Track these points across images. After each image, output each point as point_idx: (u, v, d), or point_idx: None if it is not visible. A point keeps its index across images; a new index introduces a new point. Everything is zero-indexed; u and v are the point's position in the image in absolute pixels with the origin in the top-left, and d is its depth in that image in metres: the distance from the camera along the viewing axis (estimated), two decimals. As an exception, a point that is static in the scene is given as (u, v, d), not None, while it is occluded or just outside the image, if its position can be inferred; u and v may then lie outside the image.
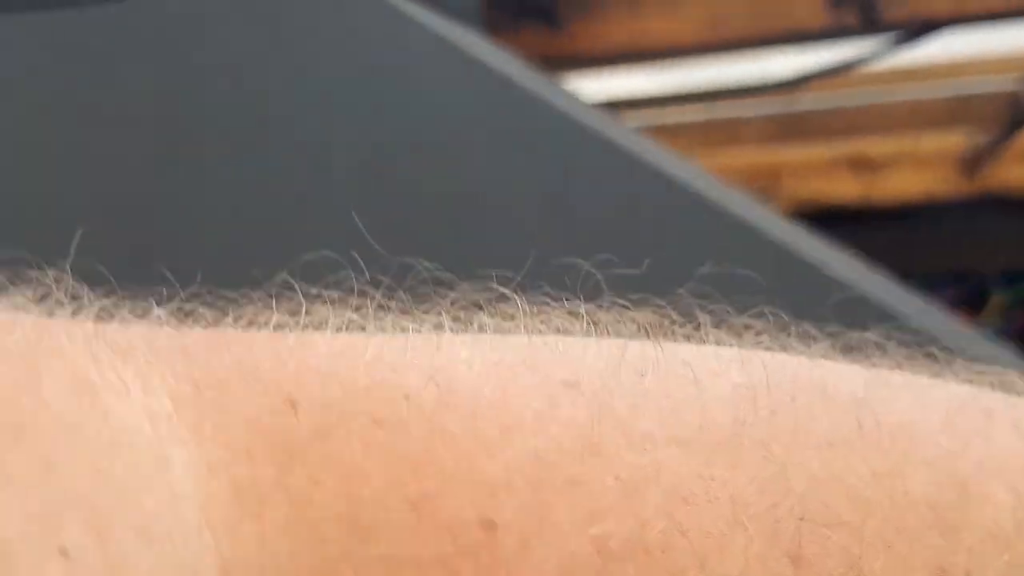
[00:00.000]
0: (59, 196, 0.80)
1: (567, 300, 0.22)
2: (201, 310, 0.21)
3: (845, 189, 2.64)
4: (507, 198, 0.74)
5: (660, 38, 1.13)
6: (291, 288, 0.21)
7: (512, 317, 0.21)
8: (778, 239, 0.71)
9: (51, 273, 0.20)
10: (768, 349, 0.22)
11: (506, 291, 0.21)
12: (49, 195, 0.80)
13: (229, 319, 0.21)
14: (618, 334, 0.21)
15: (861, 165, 2.22)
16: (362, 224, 0.79)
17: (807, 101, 1.99)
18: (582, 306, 0.22)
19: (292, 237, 0.75)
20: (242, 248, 0.72)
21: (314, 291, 0.21)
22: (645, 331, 0.21)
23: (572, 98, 0.84)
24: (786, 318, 0.22)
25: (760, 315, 0.23)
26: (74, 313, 0.20)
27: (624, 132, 0.83)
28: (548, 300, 0.22)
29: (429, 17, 0.85)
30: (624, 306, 0.22)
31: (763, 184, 2.88)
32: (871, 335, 0.23)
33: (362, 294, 0.21)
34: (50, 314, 0.19)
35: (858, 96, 1.99)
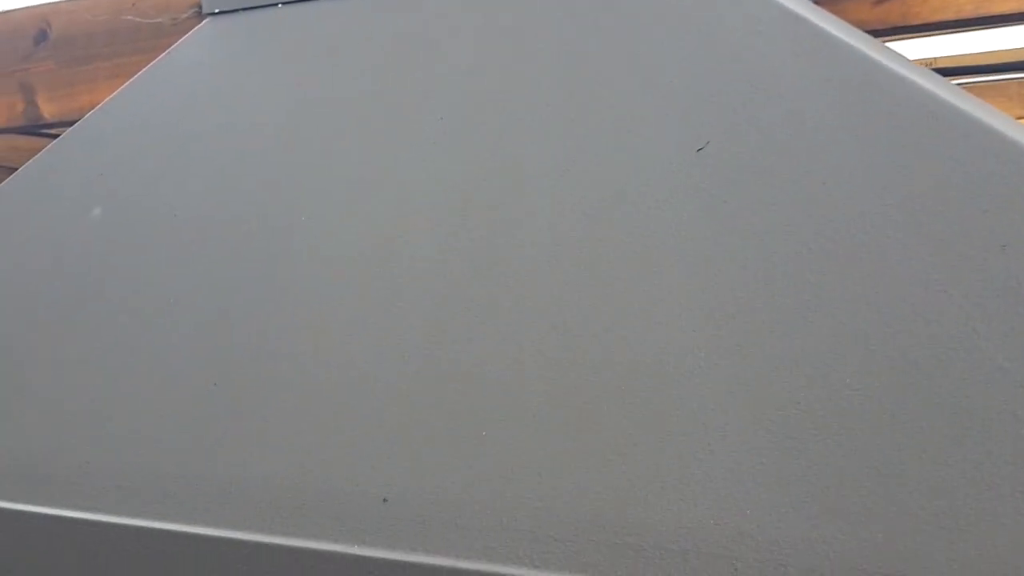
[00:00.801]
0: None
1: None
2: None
3: None
4: (841, 158, 0.76)
5: (1003, 3, 1.10)
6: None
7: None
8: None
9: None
10: None
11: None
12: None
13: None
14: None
15: None
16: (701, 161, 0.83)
17: None
18: None
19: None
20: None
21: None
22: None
23: (909, 65, 0.85)
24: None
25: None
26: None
27: (959, 96, 0.83)
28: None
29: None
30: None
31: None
32: None
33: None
34: None
35: None
